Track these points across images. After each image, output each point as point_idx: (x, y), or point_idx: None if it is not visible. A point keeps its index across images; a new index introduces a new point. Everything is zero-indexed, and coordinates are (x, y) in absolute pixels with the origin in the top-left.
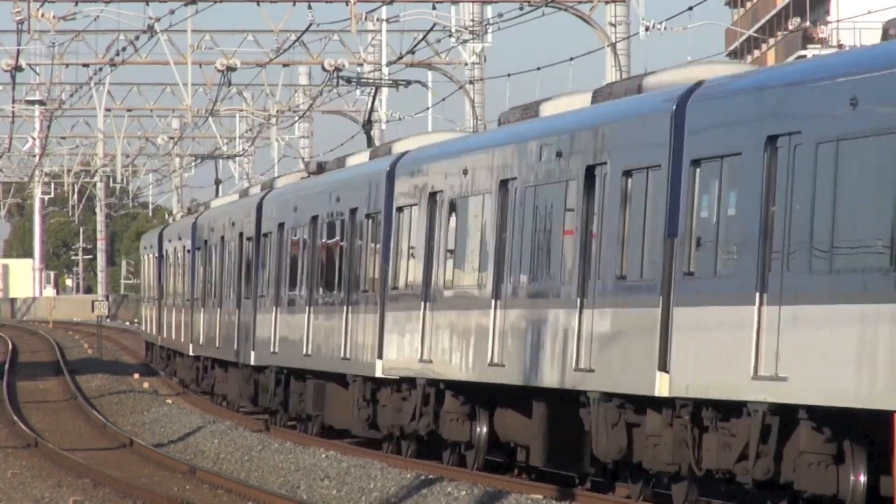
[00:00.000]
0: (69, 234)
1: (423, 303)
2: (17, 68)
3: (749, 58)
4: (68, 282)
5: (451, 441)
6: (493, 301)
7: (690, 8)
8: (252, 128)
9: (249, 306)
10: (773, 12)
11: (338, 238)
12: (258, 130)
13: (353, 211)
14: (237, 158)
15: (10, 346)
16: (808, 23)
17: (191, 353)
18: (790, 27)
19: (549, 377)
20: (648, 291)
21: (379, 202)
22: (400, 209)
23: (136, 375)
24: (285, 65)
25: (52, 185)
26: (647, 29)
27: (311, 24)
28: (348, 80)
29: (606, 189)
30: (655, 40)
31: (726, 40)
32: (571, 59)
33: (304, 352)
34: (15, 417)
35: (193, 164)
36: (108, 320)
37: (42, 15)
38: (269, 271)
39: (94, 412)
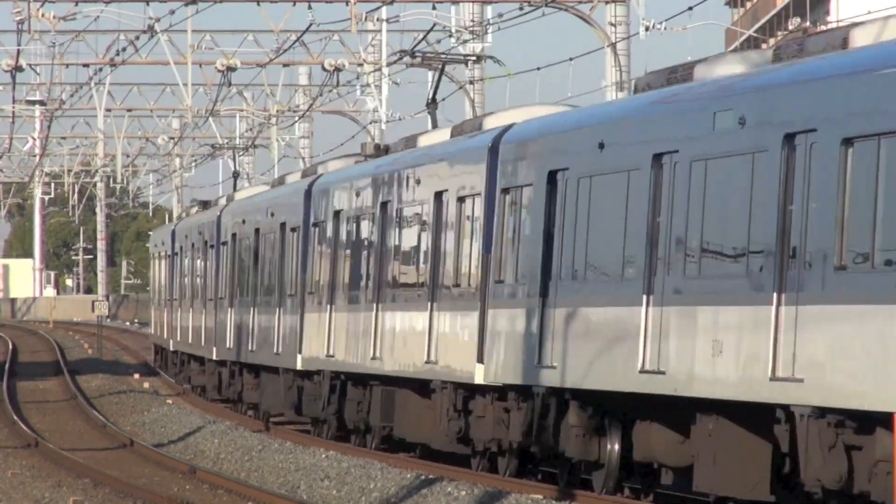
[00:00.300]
0: (69, 234)
1: (540, 298)
2: (18, 68)
3: None
4: (68, 282)
5: (575, 460)
6: (645, 296)
7: (690, 8)
8: (252, 128)
9: (294, 304)
10: (773, 12)
11: (418, 225)
12: (258, 130)
13: (439, 194)
14: (238, 157)
15: (11, 346)
16: (808, 23)
17: (214, 358)
18: (790, 27)
19: (733, 387)
20: (885, 287)
21: (478, 183)
22: (506, 190)
23: (136, 375)
24: (285, 65)
25: (53, 185)
26: (647, 29)
27: (311, 24)
28: (412, 55)
29: (814, 161)
30: (655, 40)
31: (726, 40)
32: (571, 59)
33: (372, 354)
34: (15, 417)
35: (194, 163)
36: (108, 320)
37: (42, 15)
38: (321, 265)
39: (94, 412)
